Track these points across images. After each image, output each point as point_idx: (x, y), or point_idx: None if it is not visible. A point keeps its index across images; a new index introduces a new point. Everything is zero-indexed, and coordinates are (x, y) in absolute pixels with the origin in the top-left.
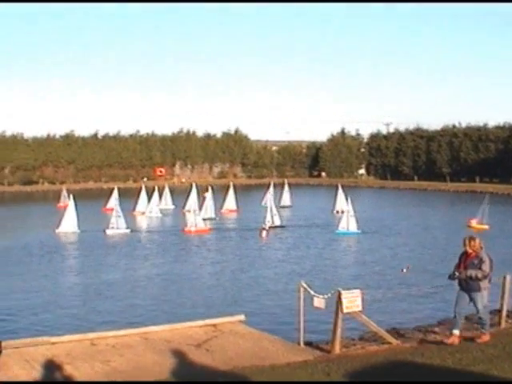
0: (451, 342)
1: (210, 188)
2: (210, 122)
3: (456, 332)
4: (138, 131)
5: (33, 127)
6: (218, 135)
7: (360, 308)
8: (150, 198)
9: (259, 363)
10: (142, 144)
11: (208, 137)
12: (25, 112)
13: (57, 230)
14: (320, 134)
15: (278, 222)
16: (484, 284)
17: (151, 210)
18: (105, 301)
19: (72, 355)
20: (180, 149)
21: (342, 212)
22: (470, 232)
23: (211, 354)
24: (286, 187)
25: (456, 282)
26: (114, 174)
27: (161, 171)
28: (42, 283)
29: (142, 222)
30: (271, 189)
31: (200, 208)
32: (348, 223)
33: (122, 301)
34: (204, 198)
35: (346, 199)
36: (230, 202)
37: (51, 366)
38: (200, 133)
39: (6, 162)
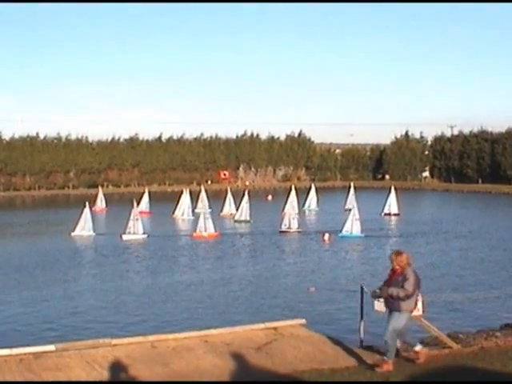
0: (385, 369)
1: (246, 193)
2: (273, 125)
3: (388, 359)
4: (202, 134)
5: (97, 130)
6: (282, 138)
7: (420, 312)
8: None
9: (318, 367)
10: (205, 147)
11: (272, 140)
12: (89, 115)
13: (72, 234)
14: (384, 136)
15: (295, 226)
16: (407, 306)
17: (183, 213)
18: (164, 303)
19: (132, 357)
20: (244, 152)
21: (393, 214)
22: None
23: (271, 358)
24: (352, 190)
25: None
26: (177, 177)
27: (225, 174)
28: (99, 286)
29: (166, 226)
30: (312, 192)
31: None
32: (352, 226)
33: (182, 303)
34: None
35: (360, 200)
36: (291, 205)
37: (111, 368)
38: (264, 136)
39: (71, 166)
